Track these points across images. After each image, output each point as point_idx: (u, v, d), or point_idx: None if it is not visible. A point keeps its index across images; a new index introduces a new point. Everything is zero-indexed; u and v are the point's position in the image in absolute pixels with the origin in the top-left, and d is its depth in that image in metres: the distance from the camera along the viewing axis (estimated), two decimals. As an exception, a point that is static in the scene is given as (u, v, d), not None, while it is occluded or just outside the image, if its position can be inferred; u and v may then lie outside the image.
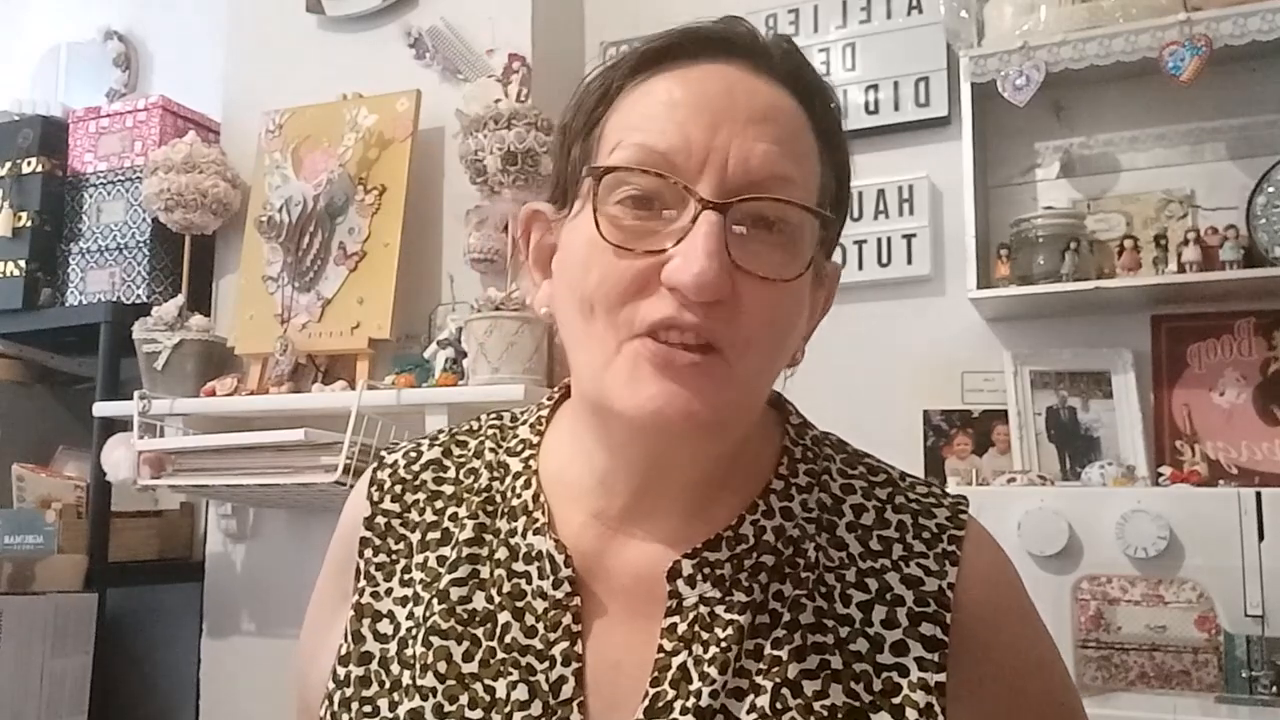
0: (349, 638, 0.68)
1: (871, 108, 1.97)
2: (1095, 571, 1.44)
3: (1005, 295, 1.73)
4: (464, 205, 1.98)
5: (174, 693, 2.25)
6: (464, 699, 0.62)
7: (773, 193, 0.59)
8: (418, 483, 0.72)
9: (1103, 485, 1.57)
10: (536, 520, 0.66)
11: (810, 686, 0.60)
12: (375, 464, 0.74)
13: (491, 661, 0.63)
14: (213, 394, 1.99)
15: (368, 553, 0.70)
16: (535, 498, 0.67)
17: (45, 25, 2.88)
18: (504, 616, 0.64)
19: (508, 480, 0.69)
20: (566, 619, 0.63)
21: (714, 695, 0.59)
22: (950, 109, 1.90)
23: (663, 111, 0.60)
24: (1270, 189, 1.65)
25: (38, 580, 1.94)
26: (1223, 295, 1.70)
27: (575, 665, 0.62)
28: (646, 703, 0.60)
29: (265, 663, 2.06)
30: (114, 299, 2.16)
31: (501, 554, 0.66)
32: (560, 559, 0.64)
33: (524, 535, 0.66)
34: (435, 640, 0.64)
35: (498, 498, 0.69)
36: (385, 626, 0.67)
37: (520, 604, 0.64)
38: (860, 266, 1.93)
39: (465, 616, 0.65)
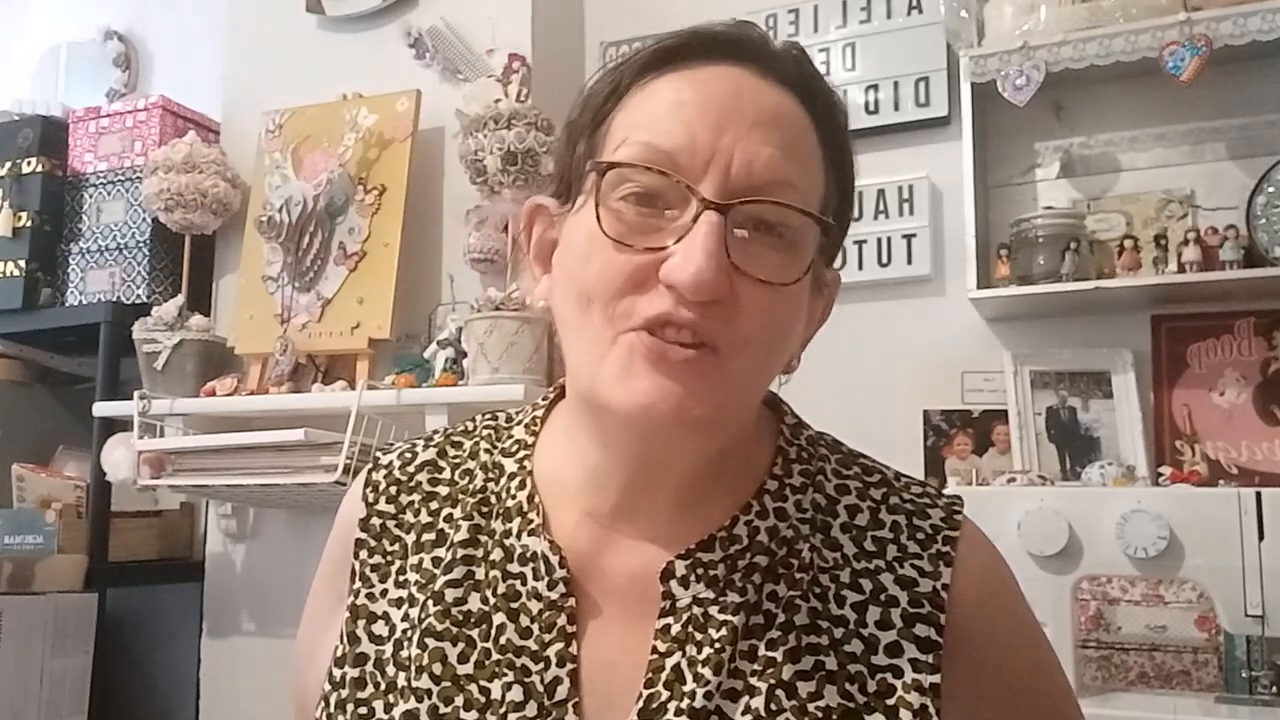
0: (344, 639, 0.68)
1: (871, 108, 1.97)
2: (1095, 571, 1.44)
3: (1005, 295, 1.73)
4: (464, 205, 1.98)
5: (174, 693, 2.25)
6: (459, 700, 0.62)
7: (775, 197, 0.59)
8: (413, 484, 0.72)
9: (1103, 485, 1.57)
10: (531, 521, 0.66)
11: (805, 688, 0.60)
12: (370, 465, 0.74)
13: (486, 663, 0.63)
14: (213, 394, 1.99)
15: (363, 554, 0.70)
16: (530, 498, 0.67)
17: (45, 25, 2.88)
18: (499, 618, 0.64)
19: (503, 481, 0.69)
20: (561, 620, 0.63)
21: (708, 696, 0.59)
22: (950, 109, 1.90)
23: (670, 111, 0.60)
24: (1270, 189, 1.65)
25: (38, 580, 1.94)
26: (1223, 295, 1.70)
27: (570, 666, 0.62)
28: (641, 704, 0.60)
29: (265, 663, 2.06)
30: (114, 299, 2.16)
31: (496, 555, 0.66)
32: (555, 560, 0.64)
33: (519, 536, 0.66)
34: (430, 642, 0.64)
35: (493, 499, 0.69)
36: (380, 628, 0.67)
37: (515, 605, 0.64)
38: (860, 266, 1.93)
39: (460, 618, 0.65)
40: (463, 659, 0.63)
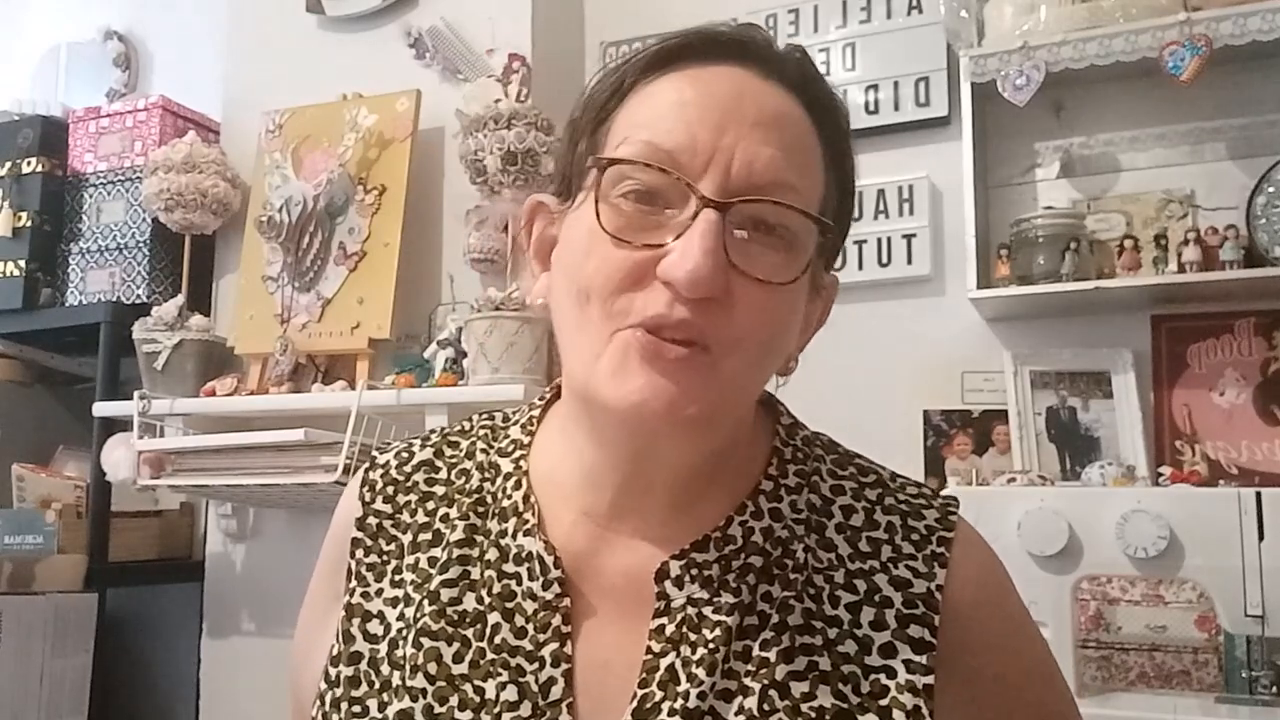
0: (340, 638, 0.68)
1: (871, 108, 1.97)
2: (1095, 571, 1.44)
3: (1005, 295, 1.73)
4: (464, 205, 1.98)
5: (174, 693, 2.25)
6: (454, 700, 0.62)
7: (775, 197, 0.59)
8: (409, 484, 0.72)
9: (1103, 485, 1.57)
10: (527, 521, 0.66)
11: (798, 688, 0.60)
12: (367, 464, 0.75)
13: (481, 662, 0.63)
14: (213, 394, 1.99)
15: (359, 553, 0.70)
16: (526, 498, 0.67)
17: (45, 25, 2.88)
18: (494, 617, 0.64)
19: (498, 481, 0.69)
20: (556, 620, 0.63)
21: (702, 697, 0.59)
22: (950, 109, 1.90)
23: (672, 110, 0.60)
24: (1270, 189, 1.65)
25: (38, 580, 1.94)
26: (1223, 295, 1.70)
27: (564, 666, 0.62)
28: (635, 704, 0.60)
29: (265, 663, 2.06)
30: (114, 299, 2.16)
31: (492, 555, 0.66)
32: (550, 560, 0.64)
33: (514, 536, 0.66)
34: (425, 641, 0.64)
35: (488, 499, 0.69)
36: (375, 627, 0.67)
37: (510, 605, 0.64)
38: (860, 266, 1.93)
39: (455, 618, 0.65)
40: (458, 658, 0.63)
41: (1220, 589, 1.32)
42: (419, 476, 0.72)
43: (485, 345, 1.77)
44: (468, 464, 0.72)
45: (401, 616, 0.67)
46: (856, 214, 1.91)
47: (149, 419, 2.00)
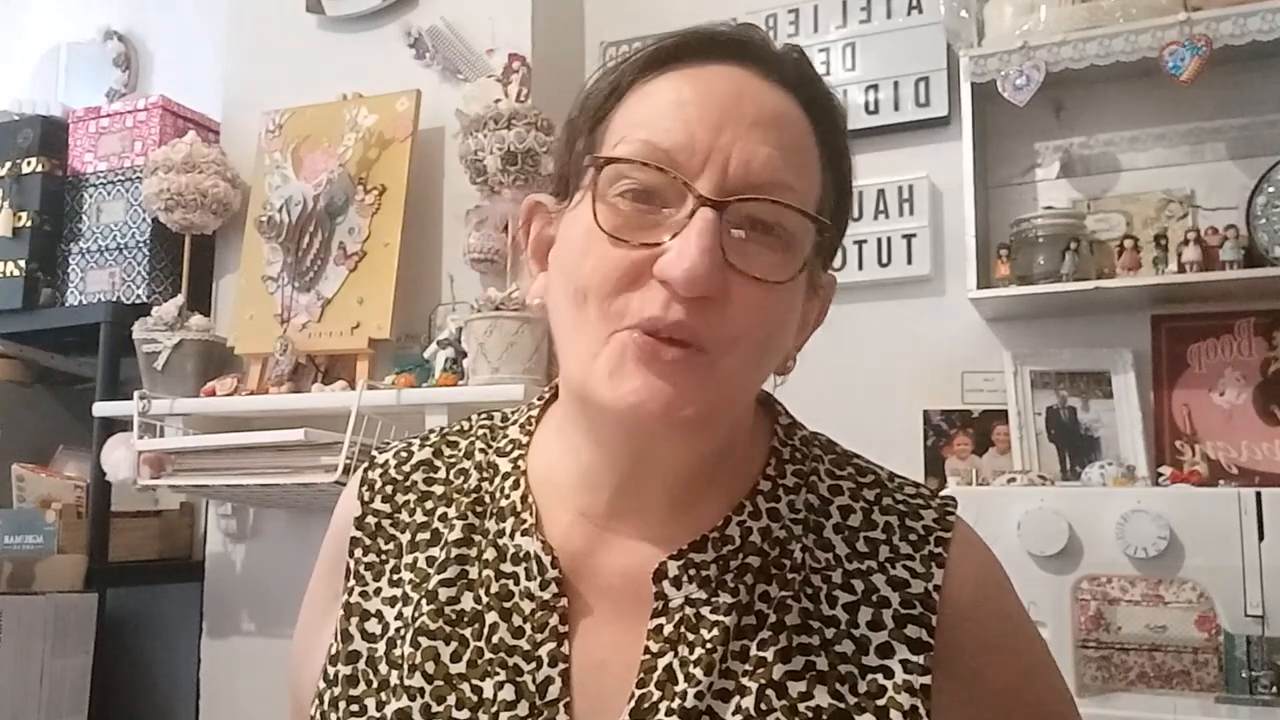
0: (338, 637, 0.68)
1: (871, 108, 1.97)
2: (1095, 571, 1.44)
3: (1005, 295, 1.73)
4: (464, 205, 1.98)
5: (174, 693, 2.25)
6: (451, 699, 0.62)
7: (772, 197, 0.59)
8: (408, 483, 0.72)
9: (1103, 485, 1.57)
10: (524, 521, 0.66)
11: (795, 688, 0.60)
12: (366, 464, 0.75)
13: (479, 662, 0.63)
14: (213, 394, 1.99)
15: (358, 552, 0.70)
16: (523, 498, 0.67)
17: (45, 25, 2.88)
18: (491, 617, 0.64)
19: (496, 481, 0.69)
20: (553, 620, 0.63)
21: (699, 696, 0.59)
22: (950, 109, 1.90)
23: (669, 110, 0.60)
24: (1270, 189, 1.65)
25: (38, 580, 1.94)
26: (1223, 295, 1.70)
27: (562, 666, 0.62)
28: (632, 704, 0.61)
29: (265, 663, 2.07)
30: (114, 299, 2.16)
31: (490, 555, 0.66)
32: (547, 560, 0.64)
33: (512, 536, 0.66)
34: (423, 640, 0.64)
35: (487, 498, 0.69)
36: (374, 626, 0.67)
37: (508, 605, 0.64)
38: (860, 266, 1.93)
39: (453, 617, 0.65)
40: (455, 658, 0.63)
41: (1220, 589, 1.32)
42: (418, 476, 0.72)
43: (485, 345, 1.77)
44: (466, 464, 0.72)
45: (400, 616, 0.67)
46: (857, 214, 1.93)
47: (149, 419, 2.00)
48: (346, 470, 1.72)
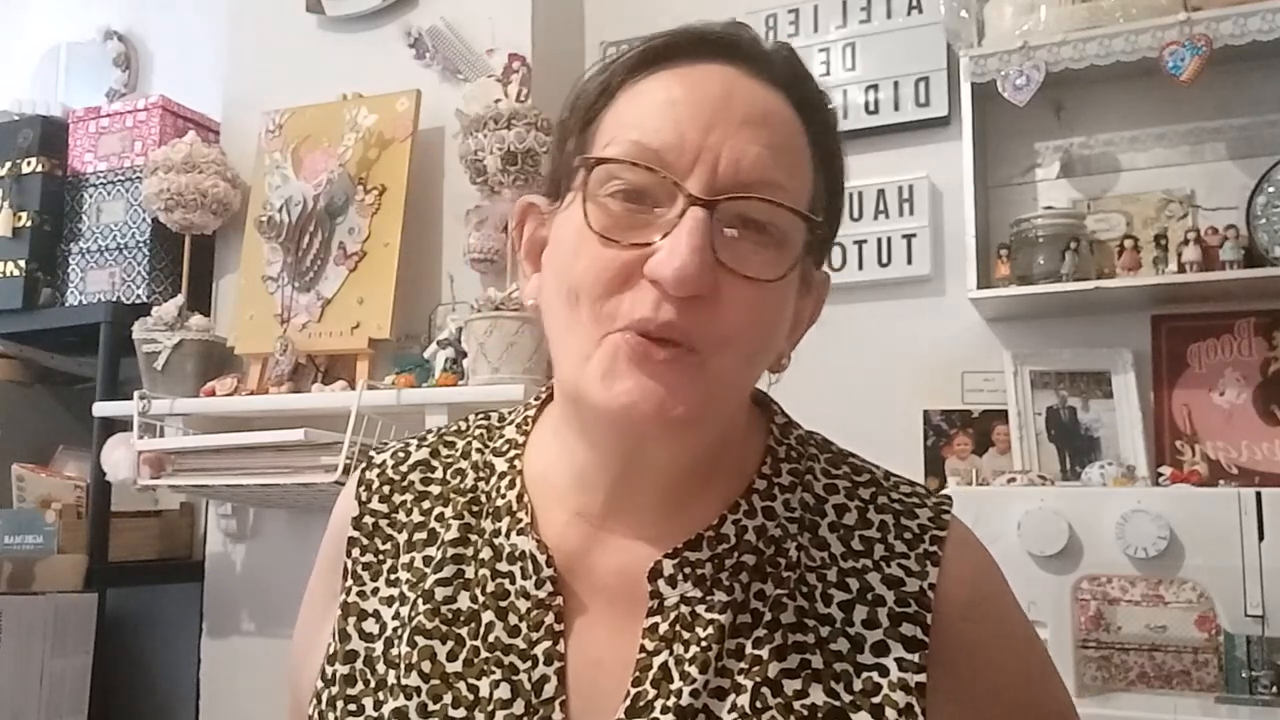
0: (336, 637, 0.68)
1: (871, 108, 1.97)
2: (1095, 571, 1.44)
3: (1005, 295, 1.73)
4: (464, 205, 1.98)
5: (174, 693, 2.25)
6: (447, 698, 0.62)
7: (762, 195, 0.59)
8: (405, 483, 0.72)
9: (1103, 485, 1.57)
10: (520, 520, 0.66)
11: (790, 686, 0.60)
12: (364, 464, 0.75)
13: (475, 661, 0.63)
14: (213, 394, 1.99)
15: (355, 552, 0.71)
16: (519, 498, 0.67)
17: (45, 25, 2.88)
18: (488, 616, 0.64)
19: (493, 480, 0.70)
20: (549, 618, 0.63)
21: (695, 694, 0.60)
22: (950, 109, 1.90)
23: (659, 109, 0.60)
24: (1270, 189, 1.65)
25: (38, 580, 1.94)
26: (1223, 295, 1.70)
27: (558, 664, 0.62)
28: (628, 702, 0.61)
29: (265, 663, 2.06)
30: (114, 299, 2.16)
31: (486, 554, 0.66)
32: (542, 559, 0.64)
33: (507, 535, 0.66)
34: (420, 640, 0.64)
35: (483, 498, 0.69)
36: (371, 626, 0.68)
37: (504, 604, 0.64)
38: (860, 266, 1.93)
39: (450, 616, 0.65)
40: (451, 657, 0.64)
41: (1220, 589, 1.32)
42: (415, 476, 0.72)
43: (485, 345, 1.77)
44: (463, 464, 0.72)
45: (397, 615, 0.67)
46: (857, 214, 1.93)
47: (149, 419, 2.00)
48: (346, 470, 1.72)
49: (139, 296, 2.16)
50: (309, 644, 0.73)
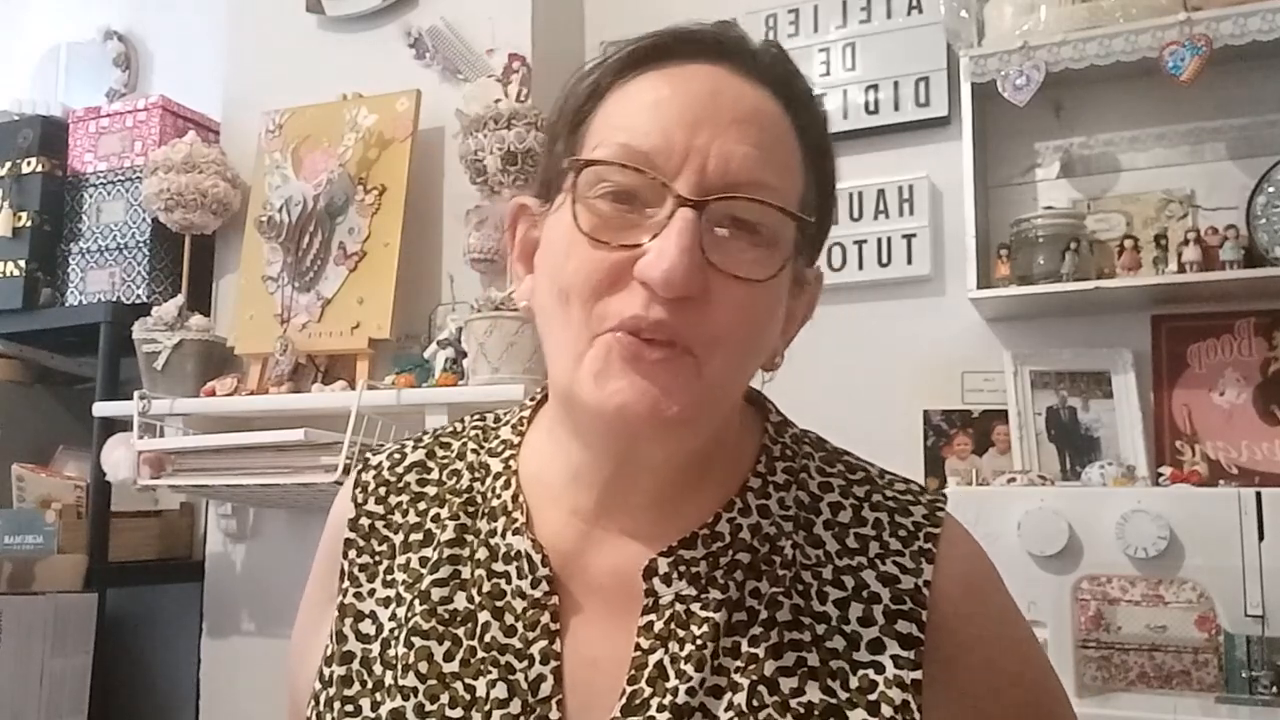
0: (333, 638, 0.68)
1: (871, 108, 1.97)
2: (1095, 571, 1.44)
3: (1005, 295, 1.73)
4: (464, 205, 1.98)
5: (174, 693, 2.25)
6: (444, 698, 0.62)
7: (751, 195, 0.59)
8: (401, 484, 0.72)
9: (1103, 485, 1.57)
10: (515, 520, 0.66)
11: (787, 684, 0.60)
12: (360, 466, 0.75)
13: (472, 661, 0.63)
14: (213, 394, 1.99)
15: (351, 554, 0.71)
16: (515, 498, 0.68)
17: (45, 25, 2.88)
18: (484, 616, 0.64)
19: (488, 481, 0.70)
20: (545, 618, 0.63)
21: (691, 693, 0.60)
22: (950, 109, 1.89)
23: (647, 111, 0.60)
24: (1270, 189, 1.65)
25: (38, 580, 1.94)
26: (1223, 295, 1.69)
27: (554, 663, 0.62)
28: (624, 700, 0.61)
29: (265, 663, 2.06)
30: (114, 299, 2.16)
31: (482, 554, 0.66)
32: (538, 558, 0.65)
33: (503, 535, 0.66)
34: (417, 640, 0.64)
35: (478, 498, 0.69)
36: (368, 627, 0.68)
37: (500, 603, 0.64)
38: (860, 266, 1.92)
39: (446, 616, 0.65)
40: (448, 657, 0.64)
41: (1220, 589, 1.32)
42: (411, 477, 0.72)
43: (485, 345, 1.77)
44: (459, 464, 0.72)
45: (393, 616, 0.67)
46: (857, 214, 1.93)
47: (149, 419, 2.00)
48: (346, 470, 1.72)
49: (139, 296, 2.16)
50: (306, 645, 0.73)
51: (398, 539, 0.70)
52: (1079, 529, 1.38)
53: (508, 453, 0.71)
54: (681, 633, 0.62)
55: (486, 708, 0.61)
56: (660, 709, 0.60)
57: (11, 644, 1.86)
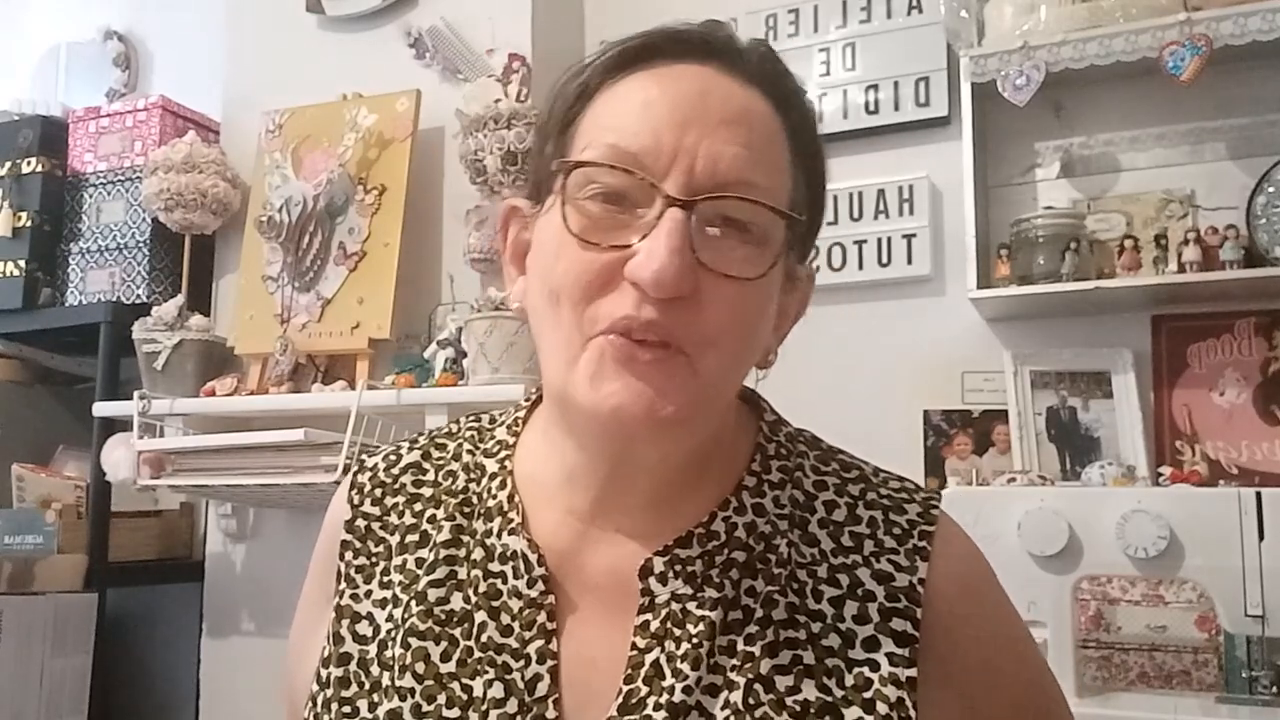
0: (330, 639, 0.68)
1: (871, 108, 1.97)
2: (1095, 571, 1.44)
3: (1005, 295, 1.72)
4: (464, 205, 1.98)
5: (174, 693, 2.25)
6: (441, 698, 0.62)
7: (740, 194, 0.59)
8: (397, 486, 0.72)
9: (1103, 485, 1.57)
10: (511, 520, 0.67)
11: (783, 682, 0.60)
12: (356, 467, 0.75)
13: (469, 661, 0.63)
14: (213, 394, 1.99)
15: (348, 555, 0.71)
16: (510, 498, 0.68)
17: (45, 25, 2.88)
18: (480, 616, 0.64)
19: (484, 481, 0.70)
20: (541, 617, 0.63)
21: (687, 691, 0.60)
22: (950, 109, 1.89)
23: (635, 111, 0.61)
24: (1270, 189, 1.65)
25: (38, 580, 1.94)
26: (1223, 295, 1.69)
27: (550, 663, 0.62)
28: (621, 699, 0.61)
29: (265, 663, 2.06)
30: (114, 299, 2.16)
31: (478, 555, 0.66)
32: (534, 558, 0.65)
33: (499, 535, 0.66)
34: (413, 641, 0.64)
35: (474, 499, 0.69)
36: (364, 628, 0.68)
37: (496, 603, 0.65)
38: (860, 266, 1.92)
39: (443, 617, 0.65)
40: (445, 657, 0.64)
41: (1220, 589, 1.32)
42: (407, 479, 0.72)
43: (485, 345, 1.77)
44: (454, 465, 0.72)
45: (390, 617, 0.67)
46: (857, 214, 1.93)
47: (149, 419, 2.00)
48: (346, 470, 1.72)
49: (139, 296, 2.16)
50: (304, 647, 0.74)
51: (394, 540, 0.70)
52: (1079, 529, 1.38)
53: (503, 453, 0.71)
54: (678, 631, 0.62)
55: (483, 708, 0.61)
56: (657, 708, 0.60)
57: (11, 644, 1.86)
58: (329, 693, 0.66)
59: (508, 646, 0.63)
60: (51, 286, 2.25)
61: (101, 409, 2.07)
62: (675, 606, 0.62)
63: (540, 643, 0.63)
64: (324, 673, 0.67)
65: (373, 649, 0.66)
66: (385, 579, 0.69)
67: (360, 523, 0.71)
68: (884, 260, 1.92)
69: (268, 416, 1.98)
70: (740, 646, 0.61)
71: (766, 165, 0.61)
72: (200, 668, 2.17)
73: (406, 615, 0.66)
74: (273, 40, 2.25)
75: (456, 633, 0.64)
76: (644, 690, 0.61)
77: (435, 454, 0.73)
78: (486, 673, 0.62)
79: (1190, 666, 1.62)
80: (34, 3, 2.92)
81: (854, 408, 1.83)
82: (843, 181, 1.94)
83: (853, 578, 0.64)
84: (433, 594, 0.66)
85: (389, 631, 0.66)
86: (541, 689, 0.62)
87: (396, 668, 0.64)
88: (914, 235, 1.90)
